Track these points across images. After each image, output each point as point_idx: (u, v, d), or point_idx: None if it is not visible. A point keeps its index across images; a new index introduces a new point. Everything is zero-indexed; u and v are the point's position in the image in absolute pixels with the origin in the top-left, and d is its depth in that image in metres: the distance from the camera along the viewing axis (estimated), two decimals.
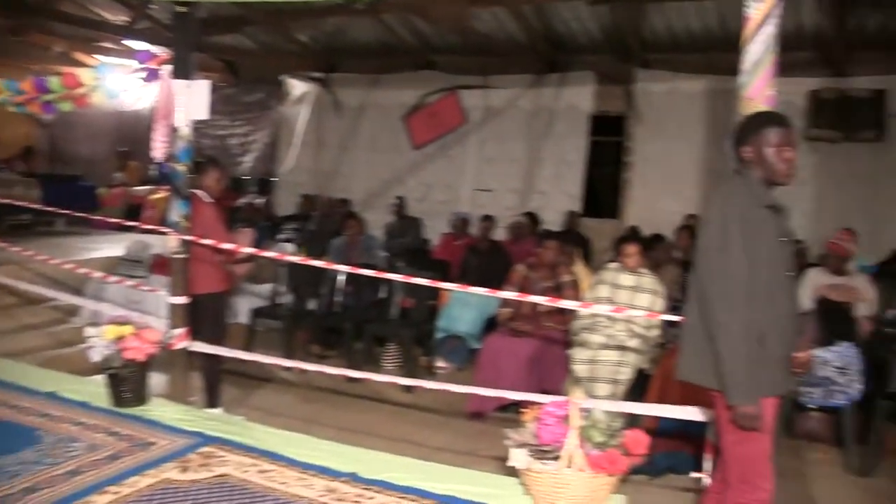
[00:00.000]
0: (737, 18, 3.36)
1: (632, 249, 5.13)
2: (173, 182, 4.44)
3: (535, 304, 5.34)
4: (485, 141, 10.94)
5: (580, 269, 6.24)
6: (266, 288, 7.11)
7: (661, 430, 4.33)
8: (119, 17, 10.53)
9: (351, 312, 6.73)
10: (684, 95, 9.75)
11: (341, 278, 6.81)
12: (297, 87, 12.21)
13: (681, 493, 3.93)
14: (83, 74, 5.19)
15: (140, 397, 3.62)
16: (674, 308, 4.59)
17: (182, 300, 4.36)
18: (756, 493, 2.64)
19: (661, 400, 4.18)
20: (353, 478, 2.91)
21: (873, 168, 9.12)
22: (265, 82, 12.49)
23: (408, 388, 5.71)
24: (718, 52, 8.59)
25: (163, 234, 4.63)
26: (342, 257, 7.30)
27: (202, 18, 5.17)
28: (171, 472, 2.87)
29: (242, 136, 12.78)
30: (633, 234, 6.36)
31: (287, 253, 6.84)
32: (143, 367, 3.61)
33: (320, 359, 6.65)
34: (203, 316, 4.64)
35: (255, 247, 5.42)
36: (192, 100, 4.36)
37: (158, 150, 4.44)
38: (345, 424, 4.88)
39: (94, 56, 11.31)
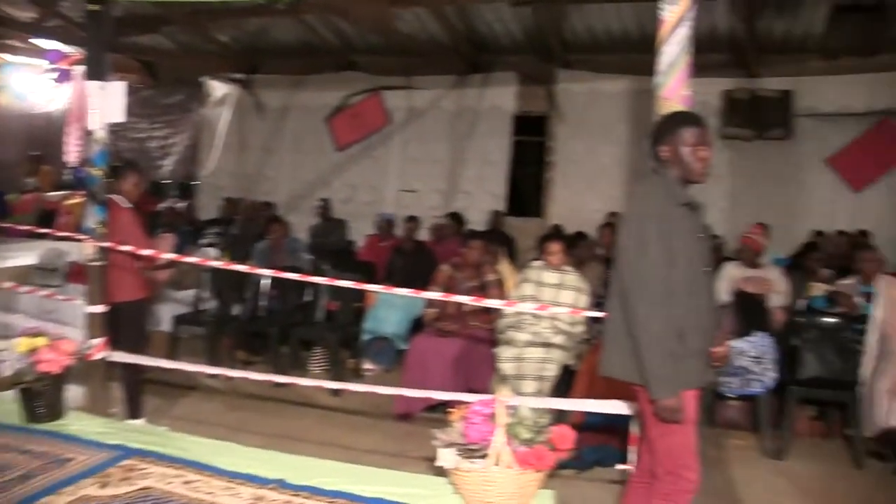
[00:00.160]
0: (654, 21, 3.44)
1: (555, 247, 5.20)
2: (89, 187, 4.31)
3: (460, 304, 5.36)
4: (408, 142, 10.97)
5: (505, 267, 6.29)
6: (189, 294, 6.97)
7: (588, 424, 4.42)
8: (26, 14, 10.13)
9: (276, 317, 6.64)
10: (605, 95, 9.96)
11: (266, 282, 6.72)
12: (218, 88, 12.01)
13: (608, 486, 4.00)
14: None
15: (55, 412, 3.49)
16: (597, 304, 4.67)
17: (100, 309, 4.24)
18: (683, 484, 2.70)
19: (587, 395, 4.25)
20: (281, 484, 2.87)
21: (783, 165, 9.54)
22: (185, 84, 12.25)
23: (335, 392, 5.68)
24: (637, 53, 8.81)
25: (78, 241, 4.50)
26: (266, 261, 7.20)
27: (117, 17, 5.03)
28: (89, 489, 2.76)
29: (162, 139, 12.51)
30: (556, 233, 6.45)
31: (210, 258, 6.73)
32: (58, 380, 3.48)
33: (246, 365, 6.56)
34: (122, 325, 4.51)
35: (177, 252, 5.30)
36: (107, 102, 4.24)
37: (72, 153, 4.31)
38: (272, 430, 4.82)
39: None
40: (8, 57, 10.35)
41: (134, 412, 4.74)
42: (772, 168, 9.58)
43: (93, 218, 4.27)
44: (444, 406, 3.64)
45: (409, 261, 7.49)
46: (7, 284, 5.85)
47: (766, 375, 4.95)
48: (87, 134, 4.24)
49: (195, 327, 6.70)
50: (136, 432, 3.54)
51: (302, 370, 6.37)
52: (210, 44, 10.93)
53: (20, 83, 10.16)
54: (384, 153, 11.12)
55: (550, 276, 5.17)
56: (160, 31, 10.46)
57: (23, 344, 3.46)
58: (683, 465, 2.70)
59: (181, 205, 11.13)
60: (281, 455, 3.24)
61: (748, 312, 5.42)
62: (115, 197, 4.61)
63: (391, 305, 6.44)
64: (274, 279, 6.45)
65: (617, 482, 3.91)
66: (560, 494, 3.03)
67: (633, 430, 3.22)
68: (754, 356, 4.98)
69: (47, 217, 9.95)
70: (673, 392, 2.60)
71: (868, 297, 5.11)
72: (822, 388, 4.99)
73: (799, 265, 7.24)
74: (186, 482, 2.88)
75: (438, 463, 2.80)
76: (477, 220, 9.78)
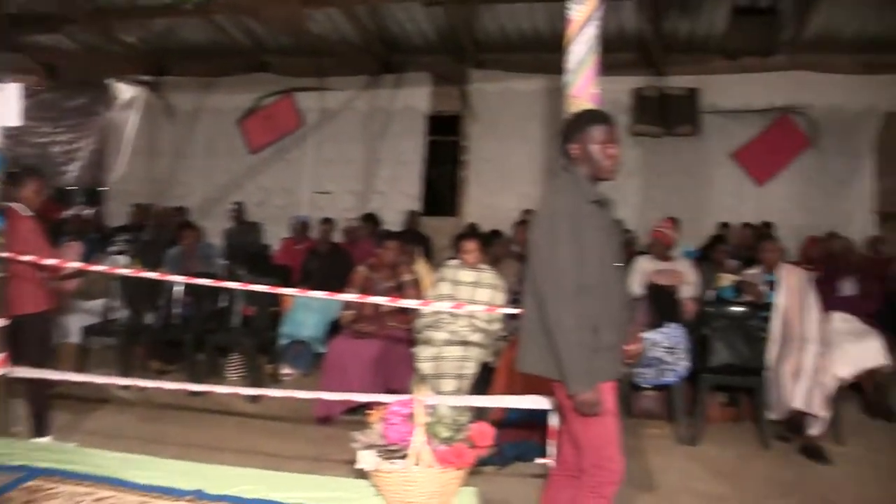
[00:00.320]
0: (564, 20, 3.50)
1: (471, 246, 5.24)
2: None
3: (377, 305, 5.36)
4: (322, 143, 10.89)
5: (421, 267, 6.31)
6: (98, 304, 6.74)
7: (508, 420, 4.47)
8: None
9: (190, 324, 6.49)
10: (518, 94, 10.09)
11: (179, 289, 6.56)
12: (125, 91, 11.69)
13: (530, 480, 4.04)
14: None
15: None
16: (514, 301, 4.74)
17: (0, 323, 4.06)
18: (609, 475, 2.74)
19: (507, 391, 4.30)
20: (199, 495, 2.81)
21: (691, 160, 9.87)
22: (89, 86, 11.85)
23: (253, 398, 5.59)
24: (549, 52, 8.94)
25: None
26: (179, 268, 7.04)
27: (12, 14, 4.82)
28: None
29: (66, 143, 12.07)
30: (471, 231, 6.50)
31: (119, 266, 6.53)
32: None
33: (160, 374, 6.41)
34: (25, 338, 4.31)
35: (84, 261, 5.12)
36: (2, 105, 4.06)
37: None
38: (189, 441, 4.72)
39: None
40: None
41: (40, 430, 4.54)
42: (680, 163, 9.90)
43: None
44: (364, 408, 3.63)
45: (325, 263, 7.43)
46: None
47: (679, 365, 5.10)
48: None
49: (106, 338, 6.50)
50: (43, 451, 3.40)
51: (219, 377, 6.25)
52: (115, 44, 10.58)
53: None
54: (298, 155, 11.01)
55: (467, 275, 5.21)
56: (61, 30, 10.07)
57: None
58: (607, 456, 2.75)
59: (88, 212, 10.78)
60: (198, 465, 3.18)
61: (660, 304, 5.58)
62: (14, 205, 4.42)
63: (308, 308, 6.38)
64: (187, 286, 6.30)
65: (538, 476, 3.96)
66: (482, 491, 3.06)
67: (552, 424, 3.26)
68: (667, 347, 5.12)
69: None
70: (590, 386, 2.63)
71: (771, 285, 5.31)
72: (731, 374, 5.18)
73: (707, 257, 7.49)
74: (97, 500, 2.79)
75: (358, 465, 2.80)
76: (392, 220, 9.80)
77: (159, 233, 9.11)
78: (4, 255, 4.10)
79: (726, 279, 6.00)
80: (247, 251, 8.79)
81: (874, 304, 6.12)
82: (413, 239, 7.33)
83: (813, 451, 4.74)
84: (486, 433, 2.88)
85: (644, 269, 6.06)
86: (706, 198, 9.82)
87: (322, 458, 4.46)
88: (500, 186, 10.12)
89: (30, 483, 2.91)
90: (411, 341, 5.19)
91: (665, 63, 9.71)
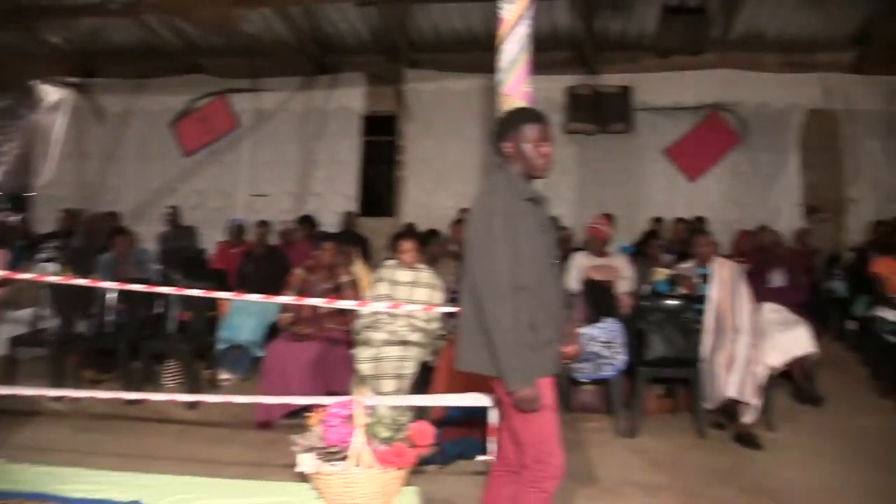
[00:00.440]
0: (496, 19, 3.53)
1: (407, 246, 5.24)
2: None
3: (315, 307, 5.32)
4: (258, 145, 10.78)
5: (359, 268, 6.29)
6: (26, 313, 6.54)
7: (448, 418, 4.48)
8: None
9: (124, 331, 6.33)
10: (453, 93, 10.15)
11: (112, 296, 6.39)
12: (52, 93, 11.37)
13: (472, 478, 4.05)
14: None
15: None
16: (452, 300, 4.75)
17: None
18: (550, 470, 2.76)
19: (447, 390, 4.30)
20: None
21: (625, 157, 10.07)
22: (12, 88, 11.47)
23: (191, 405, 5.49)
24: (483, 51, 8.99)
25: None
26: (112, 274, 6.87)
27: None
28: None
29: None
30: (408, 231, 6.51)
31: (48, 273, 6.35)
32: None
33: (94, 384, 6.24)
34: None
35: (11, 269, 4.97)
36: None
37: None
38: (126, 451, 4.60)
39: None
40: None
41: None
42: (614, 161, 10.09)
43: None
44: (304, 411, 3.60)
45: (262, 266, 7.34)
46: None
47: (617, 359, 5.19)
48: None
49: (35, 348, 6.30)
50: None
51: (155, 385, 6.12)
52: (39, 45, 10.28)
53: None
54: (233, 157, 10.88)
55: (404, 275, 5.21)
56: None
57: None
58: (548, 451, 2.76)
59: (14, 218, 10.46)
60: (136, 476, 3.12)
61: (597, 300, 5.65)
62: None
63: (245, 312, 6.30)
64: (121, 292, 6.16)
65: (480, 473, 3.97)
66: (424, 490, 3.07)
67: (492, 421, 3.28)
68: (605, 341, 5.20)
69: None
70: (528, 382, 2.65)
71: (704, 278, 5.43)
72: (667, 366, 5.27)
73: (642, 252, 7.62)
74: None
75: (298, 469, 2.78)
76: (330, 221, 9.76)
77: (90, 239, 8.87)
78: None
79: (661, 273, 6.10)
80: (182, 255, 8.63)
81: (802, 294, 6.31)
82: (350, 240, 7.30)
83: (747, 439, 4.86)
84: (425, 432, 2.89)
85: (580, 266, 6.14)
86: (640, 194, 10.02)
87: (263, 463, 4.41)
88: (436, 186, 10.17)
89: None
90: (350, 342, 5.17)
91: (598, 62, 9.88)
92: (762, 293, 5.74)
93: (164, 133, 10.90)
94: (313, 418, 2.93)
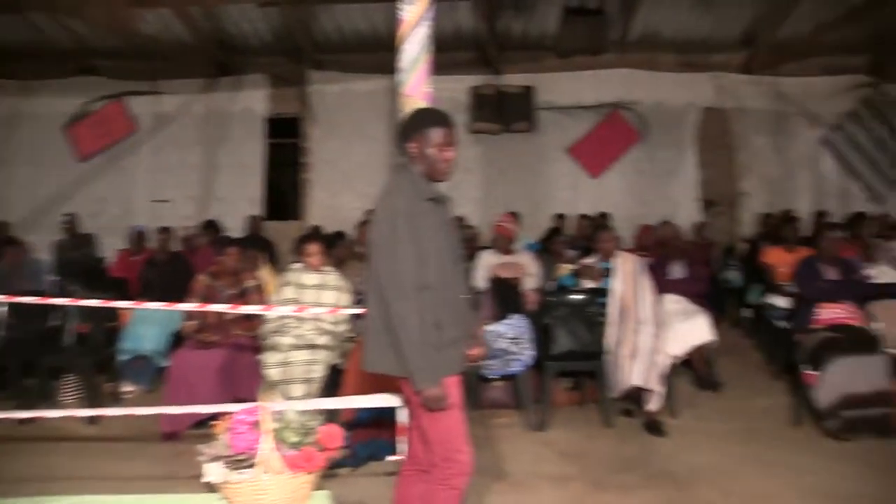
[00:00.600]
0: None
1: (313, 248, 5.20)
2: None
3: (221, 313, 5.22)
4: (159, 149, 10.49)
5: (266, 272, 6.21)
6: None
7: (359, 420, 4.47)
8: None
9: (17, 346, 6.03)
10: (358, 95, 10.11)
11: (2, 310, 6.10)
12: None
13: (384, 479, 4.04)
14: None
15: None
16: (359, 302, 4.73)
17: None
18: (459, 467, 2.78)
19: (357, 392, 4.28)
20: None
21: (529, 156, 10.24)
22: None
23: (91, 420, 5.29)
24: (386, 52, 8.99)
25: None
26: (2, 286, 6.55)
27: None
28: None
29: None
30: (314, 234, 6.45)
31: None
32: None
33: None
34: None
35: None
36: None
37: None
38: (21, 474, 4.37)
39: None
40: None
41: None
42: (519, 159, 10.25)
43: None
44: (212, 420, 3.52)
45: (164, 273, 7.14)
46: None
47: (524, 354, 5.26)
48: None
49: None
50: None
51: (52, 402, 5.85)
52: None
53: None
54: (133, 162, 10.54)
55: (311, 278, 5.17)
56: None
57: None
58: (456, 449, 2.78)
59: None
60: (30, 500, 2.98)
61: (504, 297, 5.71)
62: None
63: (148, 321, 6.12)
64: (12, 305, 5.88)
65: (391, 474, 3.97)
66: (336, 494, 3.04)
67: (401, 420, 3.28)
68: (512, 337, 5.27)
69: None
70: (435, 381, 2.66)
71: (608, 272, 5.56)
72: (574, 360, 5.36)
73: (547, 249, 7.75)
74: None
75: (205, 479, 2.72)
76: (234, 226, 9.59)
77: None
78: None
79: (565, 269, 6.22)
80: (80, 265, 8.31)
81: (701, 285, 6.53)
82: (256, 244, 7.20)
83: (652, 426, 5.02)
84: (334, 435, 2.86)
85: (487, 264, 6.20)
86: (544, 192, 10.21)
87: (170, 476, 4.29)
88: (342, 187, 10.11)
89: None
90: (258, 348, 5.08)
91: (501, 62, 10.02)
92: (663, 285, 5.92)
93: (57, 137, 10.47)
94: (220, 426, 2.86)
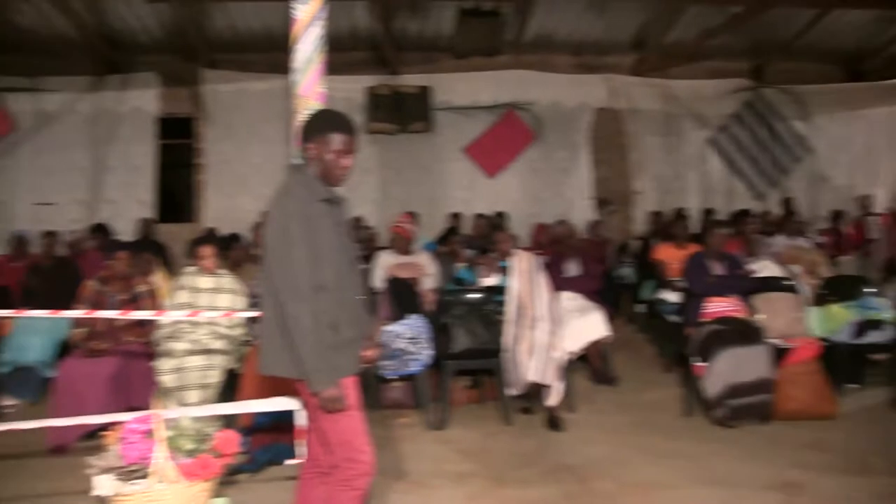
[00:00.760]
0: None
1: (207, 251, 5.09)
2: None
3: (111, 320, 5.06)
4: (41, 150, 9.99)
5: (159, 277, 6.04)
6: None
7: (257, 425, 4.40)
8: None
9: None
10: (253, 94, 9.94)
11: None
12: None
13: (284, 483, 3.99)
14: None
15: None
16: (255, 305, 4.65)
17: None
18: (360, 467, 2.77)
19: (255, 396, 4.20)
20: None
21: (426, 156, 10.33)
22: None
23: None
24: (282, 51, 8.86)
25: None
26: None
27: None
28: None
29: None
30: (208, 236, 6.32)
31: None
32: None
33: None
34: None
35: None
36: None
37: None
38: None
39: None
40: None
41: None
42: (416, 159, 10.31)
43: None
44: (103, 431, 3.39)
45: (50, 279, 6.85)
46: None
47: (423, 354, 5.30)
48: None
49: None
50: None
51: None
52: None
53: None
54: (12, 164, 10.00)
55: (205, 281, 5.06)
56: None
57: None
58: (357, 449, 2.77)
59: None
60: None
61: (402, 297, 5.73)
62: None
63: (32, 330, 5.85)
64: None
65: (291, 478, 3.92)
66: (235, 500, 2.98)
67: (300, 423, 3.25)
68: (410, 337, 5.30)
69: None
70: (331, 382, 2.65)
71: (505, 271, 5.64)
72: (472, 358, 5.41)
73: (444, 248, 7.81)
74: None
75: (95, 493, 2.63)
76: (126, 229, 9.29)
77: None
78: None
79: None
80: None
81: (596, 282, 6.73)
82: (148, 247, 7.00)
83: (552, 422, 5.12)
84: (231, 440, 2.82)
85: (385, 264, 6.22)
86: (441, 191, 10.29)
87: (57, 492, 4.10)
88: (238, 189, 9.92)
89: None
90: (151, 355, 4.93)
91: (398, 62, 10.04)
92: (559, 283, 6.07)
93: None
94: (110, 437, 2.78)
